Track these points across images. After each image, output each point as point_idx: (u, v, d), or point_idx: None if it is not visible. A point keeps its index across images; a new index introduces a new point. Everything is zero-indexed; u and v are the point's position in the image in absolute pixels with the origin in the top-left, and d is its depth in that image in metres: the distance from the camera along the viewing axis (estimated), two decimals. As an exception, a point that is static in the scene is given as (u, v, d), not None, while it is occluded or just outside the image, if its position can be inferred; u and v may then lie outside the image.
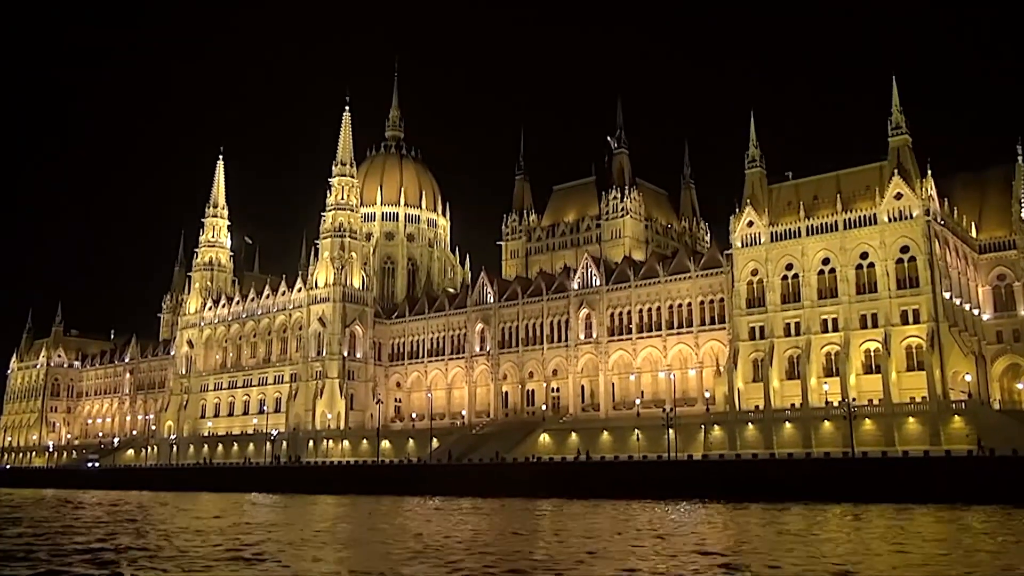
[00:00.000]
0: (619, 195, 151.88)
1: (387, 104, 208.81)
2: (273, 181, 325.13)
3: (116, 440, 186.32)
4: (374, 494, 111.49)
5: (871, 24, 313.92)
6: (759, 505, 78.87)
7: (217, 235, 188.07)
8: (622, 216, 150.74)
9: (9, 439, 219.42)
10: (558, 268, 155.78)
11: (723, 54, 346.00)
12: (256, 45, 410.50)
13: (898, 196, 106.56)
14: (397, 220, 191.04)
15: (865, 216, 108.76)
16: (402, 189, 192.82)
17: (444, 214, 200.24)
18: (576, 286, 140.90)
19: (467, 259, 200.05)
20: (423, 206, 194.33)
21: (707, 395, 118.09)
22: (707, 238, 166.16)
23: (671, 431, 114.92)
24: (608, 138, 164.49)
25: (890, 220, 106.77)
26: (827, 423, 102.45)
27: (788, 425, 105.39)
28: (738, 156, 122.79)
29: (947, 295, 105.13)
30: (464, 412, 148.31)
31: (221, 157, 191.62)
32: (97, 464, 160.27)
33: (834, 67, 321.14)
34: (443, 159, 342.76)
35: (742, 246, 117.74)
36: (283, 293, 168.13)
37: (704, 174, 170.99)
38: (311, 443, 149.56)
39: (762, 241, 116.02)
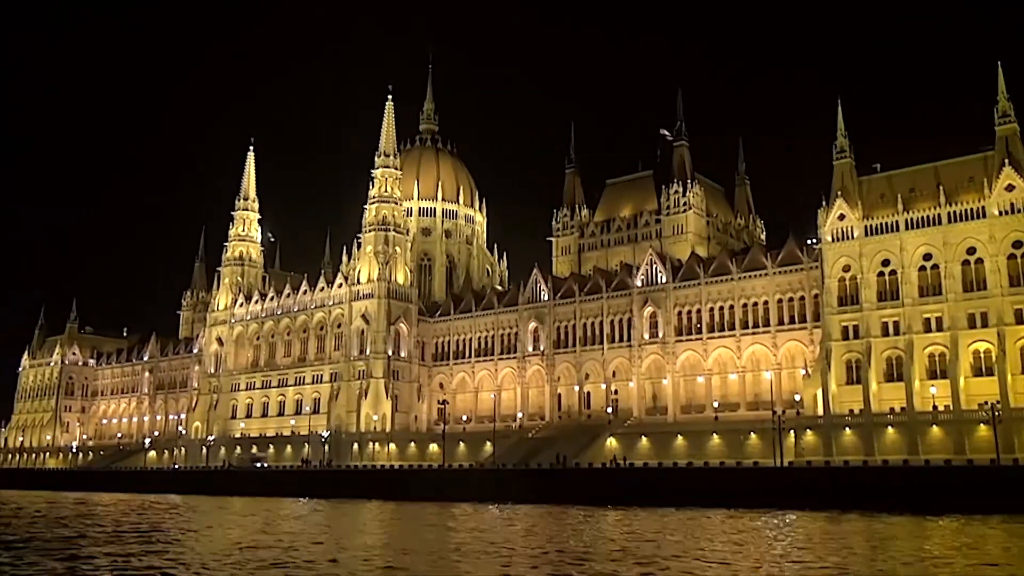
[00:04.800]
0: (680, 189, 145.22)
1: (421, 98, 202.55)
2: (292, 177, 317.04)
3: (148, 440, 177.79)
4: (429, 500, 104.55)
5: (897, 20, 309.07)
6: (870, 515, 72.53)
7: (248, 229, 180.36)
8: (684, 211, 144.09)
9: (21, 439, 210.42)
10: (613, 265, 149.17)
11: (773, 47, 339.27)
12: (280, 39, 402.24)
13: (1009, 188, 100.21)
14: (434, 216, 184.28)
15: (972, 209, 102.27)
16: (439, 184, 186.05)
17: (481, 210, 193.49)
18: (640, 283, 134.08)
19: (504, 257, 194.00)
20: (460, 201, 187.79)
21: (797, 398, 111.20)
22: (763, 236, 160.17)
23: (753, 435, 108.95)
24: (662, 131, 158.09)
25: (1001, 213, 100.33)
26: (935, 428, 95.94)
27: (891, 430, 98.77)
28: (789, 153, 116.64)
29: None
30: (519, 414, 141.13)
31: (252, 149, 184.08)
32: (265, 464, 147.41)
33: (895, 61, 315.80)
34: (473, 155, 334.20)
35: (832, 240, 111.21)
36: (322, 289, 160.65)
37: (753, 171, 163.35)
38: (355, 446, 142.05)
39: (855, 235, 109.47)
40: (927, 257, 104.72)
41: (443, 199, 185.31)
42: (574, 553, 46.44)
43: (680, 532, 61.01)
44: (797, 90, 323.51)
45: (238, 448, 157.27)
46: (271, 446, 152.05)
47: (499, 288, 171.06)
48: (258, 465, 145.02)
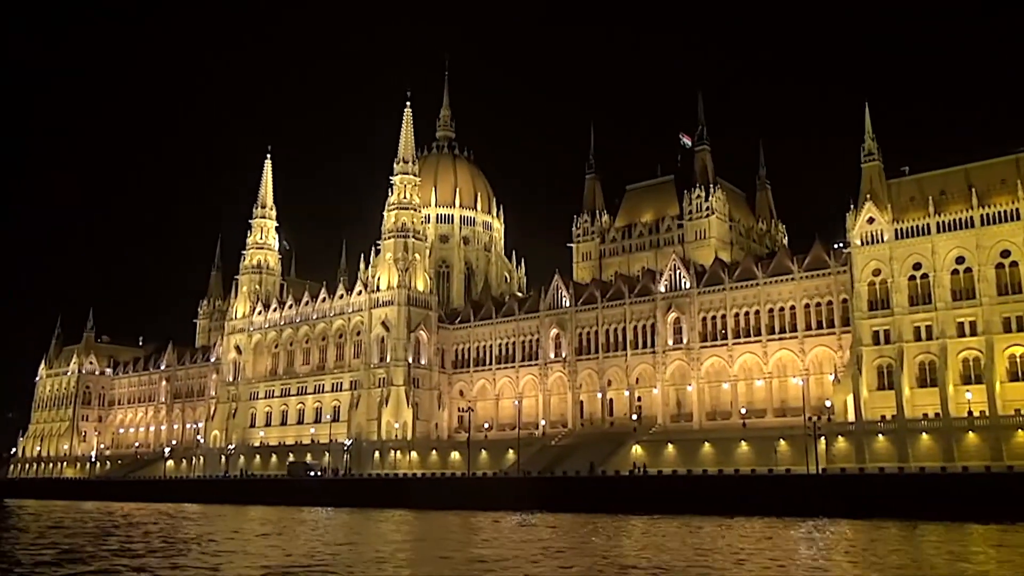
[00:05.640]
0: (703, 194, 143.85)
1: (437, 104, 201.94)
2: (303, 184, 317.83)
3: (166, 450, 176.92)
4: (453, 509, 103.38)
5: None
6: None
7: (265, 237, 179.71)
8: (707, 216, 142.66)
9: (38, 449, 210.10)
10: (635, 270, 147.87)
11: (791, 50, 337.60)
12: (295, 46, 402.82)
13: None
14: (452, 222, 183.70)
15: (1005, 211, 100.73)
16: (456, 190, 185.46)
17: (498, 217, 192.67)
18: (663, 289, 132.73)
19: (522, 263, 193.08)
20: (478, 208, 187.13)
21: (827, 404, 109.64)
22: (785, 240, 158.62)
23: (783, 442, 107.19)
24: (681, 136, 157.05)
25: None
26: (971, 434, 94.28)
27: (925, 436, 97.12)
28: (807, 157, 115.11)
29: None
30: (542, 422, 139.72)
31: (269, 157, 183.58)
32: (320, 473, 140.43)
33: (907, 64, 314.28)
34: (490, 161, 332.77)
35: (862, 244, 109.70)
36: (341, 296, 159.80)
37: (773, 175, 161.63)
38: (376, 454, 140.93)
39: (885, 239, 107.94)
40: (960, 260, 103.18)
41: (461, 206, 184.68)
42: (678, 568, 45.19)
43: (749, 542, 59.70)
44: (813, 93, 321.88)
45: (257, 457, 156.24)
46: (291, 454, 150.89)
47: (518, 295, 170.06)
48: (311, 474, 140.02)
